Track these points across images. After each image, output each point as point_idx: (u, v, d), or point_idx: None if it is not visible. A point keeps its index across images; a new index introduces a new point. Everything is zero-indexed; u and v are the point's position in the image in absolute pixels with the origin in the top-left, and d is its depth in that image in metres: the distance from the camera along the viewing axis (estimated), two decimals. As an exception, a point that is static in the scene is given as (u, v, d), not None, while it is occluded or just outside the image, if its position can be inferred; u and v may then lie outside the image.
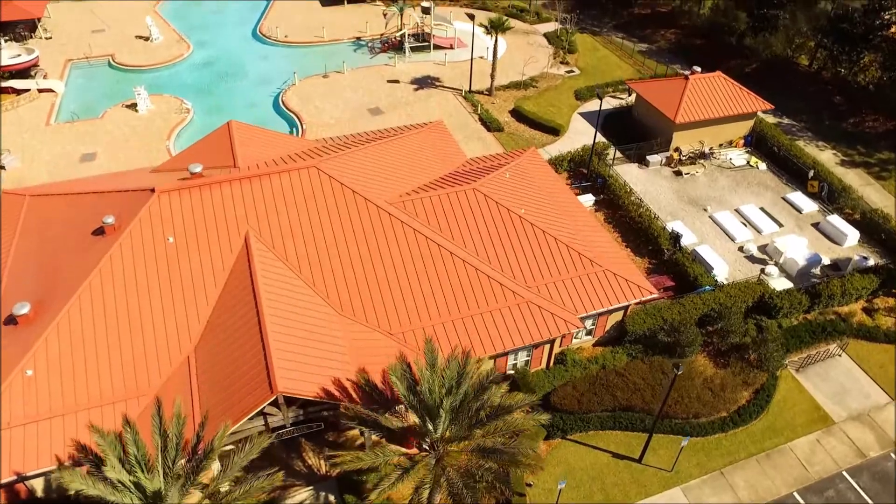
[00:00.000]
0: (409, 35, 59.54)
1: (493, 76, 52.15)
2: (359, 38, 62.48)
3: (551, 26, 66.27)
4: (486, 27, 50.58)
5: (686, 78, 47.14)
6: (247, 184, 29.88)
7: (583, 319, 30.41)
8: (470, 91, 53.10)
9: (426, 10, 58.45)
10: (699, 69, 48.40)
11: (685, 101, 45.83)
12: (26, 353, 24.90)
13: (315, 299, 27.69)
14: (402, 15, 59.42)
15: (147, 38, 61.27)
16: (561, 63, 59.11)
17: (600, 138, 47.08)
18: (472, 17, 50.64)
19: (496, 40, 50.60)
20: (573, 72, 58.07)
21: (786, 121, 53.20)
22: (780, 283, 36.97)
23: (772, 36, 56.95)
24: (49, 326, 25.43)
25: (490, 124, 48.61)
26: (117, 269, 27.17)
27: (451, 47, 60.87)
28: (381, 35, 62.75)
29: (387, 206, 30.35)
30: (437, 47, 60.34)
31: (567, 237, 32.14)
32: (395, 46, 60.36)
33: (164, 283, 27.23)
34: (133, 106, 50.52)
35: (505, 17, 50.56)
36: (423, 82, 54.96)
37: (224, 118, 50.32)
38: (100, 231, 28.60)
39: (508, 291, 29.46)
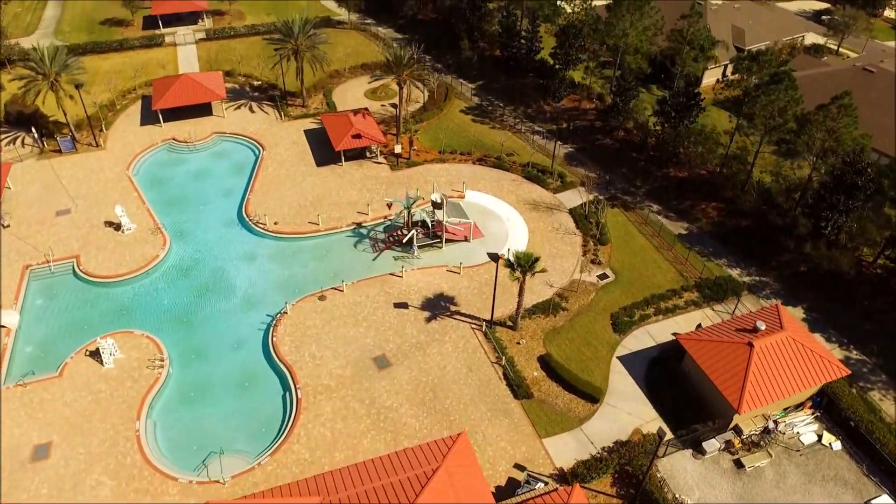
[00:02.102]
0: (417, 231, 52.03)
1: (518, 312, 44.82)
2: (359, 225, 54.77)
3: (576, 196, 58.68)
4: (511, 267, 42.94)
5: (750, 345, 39.92)
6: None
7: None
8: (491, 324, 45.72)
9: (437, 205, 50.73)
10: (763, 326, 41.15)
11: (750, 383, 38.64)
12: None
13: None
14: (409, 212, 51.69)
15: (118, 227, 53.56)
16: (592, 262, 51.70)
17: (650, 414, 40.33)
18: (495, 258, 42.96)
19: (523, 281, 43.17)
20: (606, 277, 50.66)
21: (854, 355, 46.14)
22: None
23: (837, 245, 49.74)
24: None
25: (518, 389, 41.36)
26: None
27: (466, 239, 53.37)
28: (385, 217, 55.22)
29: None
30: (449, 240, 52.89)
31: None
32: (401, 242, 52.72)
33: None
34: (97, 353, 43.07)
35: (535, 256, 42.72)
36: (436, 306, 47.42)
37: (204, 371, 43.35)
38: None
39: None
